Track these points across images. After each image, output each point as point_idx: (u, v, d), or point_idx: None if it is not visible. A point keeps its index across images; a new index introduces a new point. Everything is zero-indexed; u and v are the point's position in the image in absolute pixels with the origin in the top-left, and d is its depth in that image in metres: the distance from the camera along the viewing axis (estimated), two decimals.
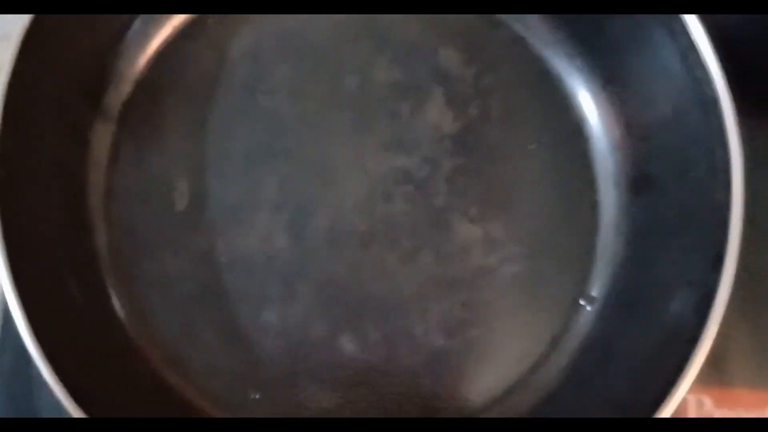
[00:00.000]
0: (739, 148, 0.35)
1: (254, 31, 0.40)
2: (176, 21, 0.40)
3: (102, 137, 0.39)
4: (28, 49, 0.33)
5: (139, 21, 0.40)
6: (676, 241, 0.37)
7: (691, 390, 0.41)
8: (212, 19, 0.40)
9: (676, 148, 0.38)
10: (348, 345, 0.38)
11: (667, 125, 0.38)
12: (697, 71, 0.36)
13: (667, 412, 0.33)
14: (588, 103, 0.41)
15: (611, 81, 0.40)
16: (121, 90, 0.39)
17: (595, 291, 0.40)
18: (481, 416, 0.38)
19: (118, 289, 0.37)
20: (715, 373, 0.41)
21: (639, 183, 0.40)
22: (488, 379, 0.39)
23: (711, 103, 0.35)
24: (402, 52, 0.41)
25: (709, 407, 0.41)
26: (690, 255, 0.36)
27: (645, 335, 0.37)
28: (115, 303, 0.37)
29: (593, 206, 0.41)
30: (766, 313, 0.43)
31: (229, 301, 0.38)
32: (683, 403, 0.41)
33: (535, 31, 0.42)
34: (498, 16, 0.42)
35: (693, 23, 0.36)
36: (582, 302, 0.39)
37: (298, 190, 0.39)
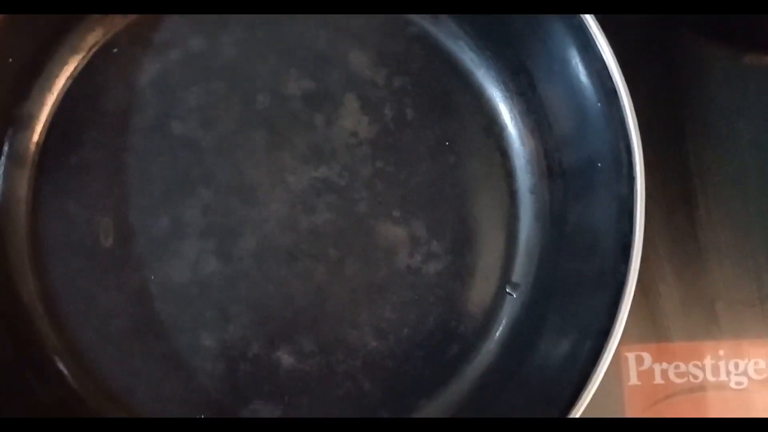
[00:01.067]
0: (639, 141, 0.36)
1: (160, 58, 0.40)
2: (80, 55, 0.40)
3: (18, 184, 0.39)
4: None
5: (45, 58, 0.39)
6: (587, 229, 0.39)
7: (630, 348, 0.43)
8: (117, 50, 0.40)
9: (581, 139, 0.39)
10: (285, 358, 0.39)
11: (572, 116, 0.39)
12: (596, 64, 0.37)
13: (586, 398, 0.34)
14: (498, 96, 0.42)
15: (519, 73, 0.41)
16: (33, 133, 0.39)
17: (519, 278, 0.41)
18: (422, 410, 0.40)
19: (53, 335, 0.38)
20: (652, 329, 0.44)
21: (551, 172, 0.41)
22: (424, 374, 0.40)
23: (611, 95, 0.36)
24: (311, 62, 0.41)
25: (648, 362, 0.44)
26: (600, 243, 0.38)
27: (564, 323, 0.38)
28: (50, 349, 0.38)
29: (511, 195, 0.42)
30: (693, 269, 0.45)
31: (165, 331, 0.39)
32: (624, 361, 0.43)
33: (442, 26, 0.42)
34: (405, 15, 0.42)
35: (589, 19, 0.36)
36: (508, 290, 0.41)
37: (221, 214, 0.40)
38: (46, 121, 0.39)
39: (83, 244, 0.39)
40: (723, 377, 0.44)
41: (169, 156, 0.40)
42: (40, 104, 0.39)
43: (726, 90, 0.46)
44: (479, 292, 0.41)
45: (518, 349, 0.40)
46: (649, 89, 0.45)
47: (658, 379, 0.44)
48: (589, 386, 0.34)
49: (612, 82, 0.36)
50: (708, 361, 0.44)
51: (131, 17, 0.40)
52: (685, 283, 0.44)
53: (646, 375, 0.44)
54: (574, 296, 0.38)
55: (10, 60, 0.37)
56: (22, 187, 0.39)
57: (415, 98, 0.42)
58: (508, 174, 0.42)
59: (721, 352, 0.44)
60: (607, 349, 0.35)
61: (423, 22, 0.42)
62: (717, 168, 0.45)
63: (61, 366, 0.38)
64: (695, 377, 0.44)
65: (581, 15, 0.36)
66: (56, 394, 0.37)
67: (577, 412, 0.34)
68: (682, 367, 0.44)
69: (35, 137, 0.39)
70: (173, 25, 0.40)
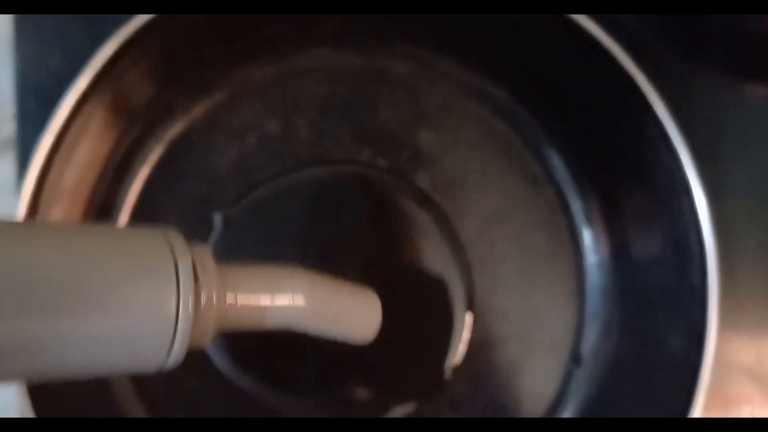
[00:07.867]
0: (712, 235, 0.37)
1: (237, 142, 0.41)
2: (162, 146, 0.41)
3: None
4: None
5: (133, 152, 0.41)
6: (657, 312, 0.40)
7: None
8: (196, 136, 0.41)
9: (652, 228, 0.40)
10: None
11: (644, 208, 0.40)
12: (669, 160, 0.37)
13: None
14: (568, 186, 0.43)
15: (585, 153, 0.42)
16: (117, 221, 0.40)
17: (584, 352, 0.42)
18: None
19: None
20: None
21: (618, 254, 0.42)
22: None
23: (684, 191, 0.37)
24: (384, 142, 0.42)
25: None
26: (669, 327, 0.39)
27: (635, 405, 0.40)
28: None
29: (579, 274, 0.43)
30: None
31: None
32: None
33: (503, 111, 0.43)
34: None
35: (663, 113, 0.37)
36: (572, 365, 0.42)
37: None
38: (131, 208, 0.41)
39: None
40: None
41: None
42: (125, 193, 0.40)
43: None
44: (547, 367, 0.42)
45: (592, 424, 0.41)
46: None
47: None
48: None
49: (686, 180, 0.37)
50: None
51: (213, 103, 0.41)
52: None
53: None
54: (643, 378, 0.40)
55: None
56: None
57: (482, 178, 0.43)
58: (576, 254, 0.43)
59: None
60: None
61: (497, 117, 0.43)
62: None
63: None
64: None
65: (656, 114, 0.37)
66: None
67: None
68: None
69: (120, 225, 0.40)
70: (250, 109, 0.41)
